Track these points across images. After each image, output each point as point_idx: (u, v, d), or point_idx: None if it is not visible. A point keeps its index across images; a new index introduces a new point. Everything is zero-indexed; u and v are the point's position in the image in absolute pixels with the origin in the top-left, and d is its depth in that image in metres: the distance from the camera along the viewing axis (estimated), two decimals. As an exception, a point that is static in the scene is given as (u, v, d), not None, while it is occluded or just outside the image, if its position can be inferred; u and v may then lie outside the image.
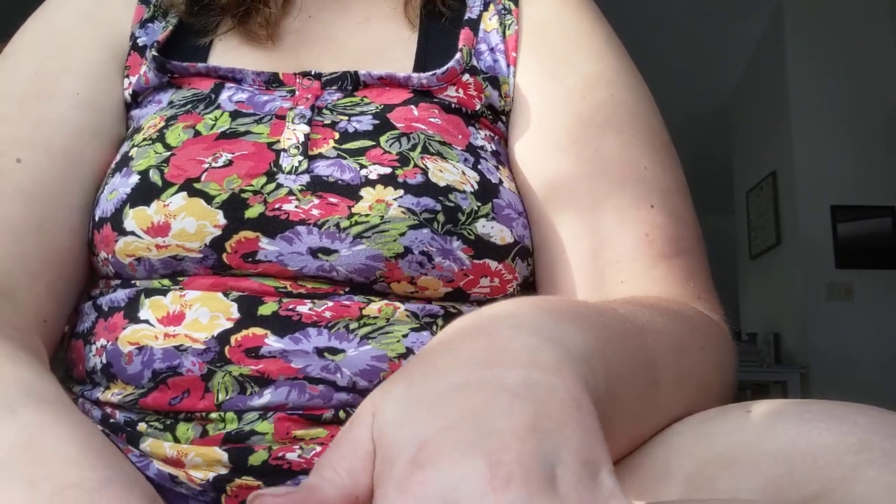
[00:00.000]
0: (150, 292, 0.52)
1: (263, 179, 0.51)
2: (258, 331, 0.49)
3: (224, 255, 0.51)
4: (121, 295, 0.53)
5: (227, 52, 0.62)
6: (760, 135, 4.86)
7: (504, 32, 0.62)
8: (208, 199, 0.50)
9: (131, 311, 0.52)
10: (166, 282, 0.52)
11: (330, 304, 0.50)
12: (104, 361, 0.51)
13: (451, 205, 0.51)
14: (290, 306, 0.50)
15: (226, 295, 0.50)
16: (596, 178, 0.56)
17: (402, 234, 0.50)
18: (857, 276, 4.18)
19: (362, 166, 0.52)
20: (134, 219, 0.52)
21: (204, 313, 0.50)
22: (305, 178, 0.51)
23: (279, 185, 0.51)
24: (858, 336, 4.08)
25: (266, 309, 0.49)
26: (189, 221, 0.50)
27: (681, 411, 0.43)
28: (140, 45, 0.62)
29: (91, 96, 0.60)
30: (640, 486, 0.40)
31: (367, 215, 0.50)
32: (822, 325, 4.13)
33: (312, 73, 0.58)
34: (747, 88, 5.12)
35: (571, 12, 0.63)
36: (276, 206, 0.50)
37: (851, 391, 3.58)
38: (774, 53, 4.61)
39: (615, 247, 0.54)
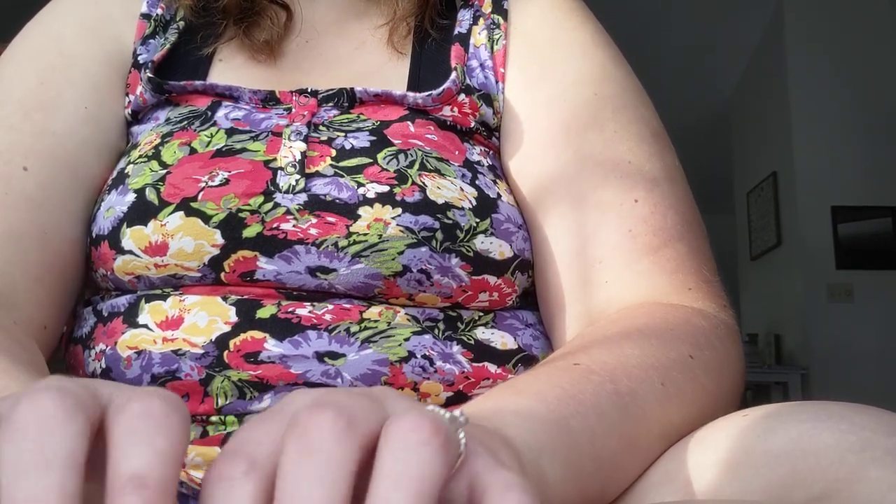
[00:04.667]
0: (150, 297, 0.52)
1: (261, 199, 0.51)
2: (257, 334, 0.48)
3: (222, 274, 0.51)
4: (122, 300, 0.53)
5: (226, 71, 0.62)
6: (761, 136, 4.86)
7: (492, 48, 0.62)
8: (205, 218, 0.50)
9: (131, 316, 0.52)
10: (168, 289, 0.52)
11: (330, 307, 0.50)
12: (104, 366, 0.51)
13: (450, 222, 0.51)
14: (290, 309, 0.49)
15: (224, 299, 0.50)
16: (577, 179, 0.55)
17: (401, 253, 0.50)
18: (858, 276, 4.18)
19: (360, 184, 0.51)
20: (131, 238, 0.52)
21: (202, 317, 0.49)
22: (303, 197, 0.51)
23: (277, 205, 0.51)
24: (859, 337, 4.08)
25: (265, 312, 0.49)
26: (187, 241, 0.50)
27: (686, 425, 0.42)
28: (140, 62, 0.62)
29: (96, 110, 0.59)
30: (640, 493, 0.39)
31: (365, 234, 0.50)
32: (823, 325, 4.13)
33: (309, 90, 0.57)
34: (748, 89, 5.12)
35: (557, 17, 0.62)
36: (274, 225, 0.50)
37: (852, 391, 3.58)
38: (775, 54, 4.61)
39: (598, 246, 0.53)
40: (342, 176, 0.52)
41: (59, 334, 0.56)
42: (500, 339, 0.53)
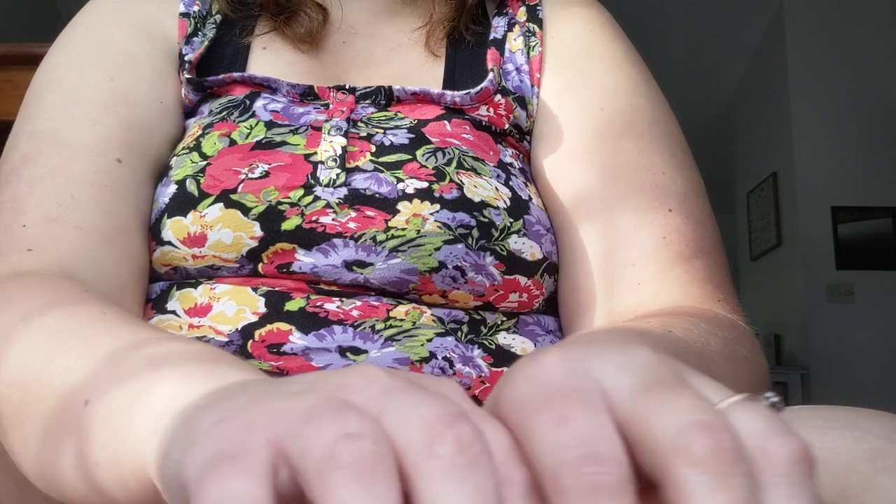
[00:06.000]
0: (182, 285, 0.52)
1: (301, 192, 0.51)
2: (283, 326, 0.49)
3: (260, 266, 0.51)
4: (154, 287, 0.54)
5: (267, 57, 0.62)
6: (761, 136, 4.85)
7: (528, 53, 0.63)
8: (245, 210, 0.51)
9: (160, 303, 0.52)
10: (203, 278, 0.52)
11: (358, 303, 0.50)
12: None
13: (486, 220, 0.52)
14: (318, 303, 0.50)
15: (255, 290, 0.51)
16: (610, 184, 0.56)
17: (438, 249, 0.50)
18: (858, 276, 4.18)
19: (399, 180, 0.52)
20: (171, 229, 0.52)
21: (231, 306, 0.50)
22: (343, 191, 0.52)
23: (317, 198, 0.51)
24: (859, 337, 4.07)
25: (293, 305, 0.50)
26: (226, 233, 0.51)
27: None
28: (186, 61, 0.62)
29: (170, 105, 0.60)
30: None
31: (403, 229, 0.50)
32: (823, 326, 4.12)
33: (347, 87, 0.58)
34: (748, 90, 5.12)
35: (591, 29, 0.64)
36: (313, 218, 0.51)
37: (852, 392, 3.57)
38: (775, 54, 4.61)
39: (631, 250, 0.54)
40: (382, 171, 0.53)
41: None
42: (521, 345, 0.54)
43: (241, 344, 0.49)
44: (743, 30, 4.75)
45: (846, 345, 4.06)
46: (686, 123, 0.62)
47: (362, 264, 0.50)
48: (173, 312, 0.51)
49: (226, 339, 0.49)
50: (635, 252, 0.54)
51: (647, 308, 0.52)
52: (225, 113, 0.57)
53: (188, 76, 0.59)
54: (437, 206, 0.51)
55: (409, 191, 0.51)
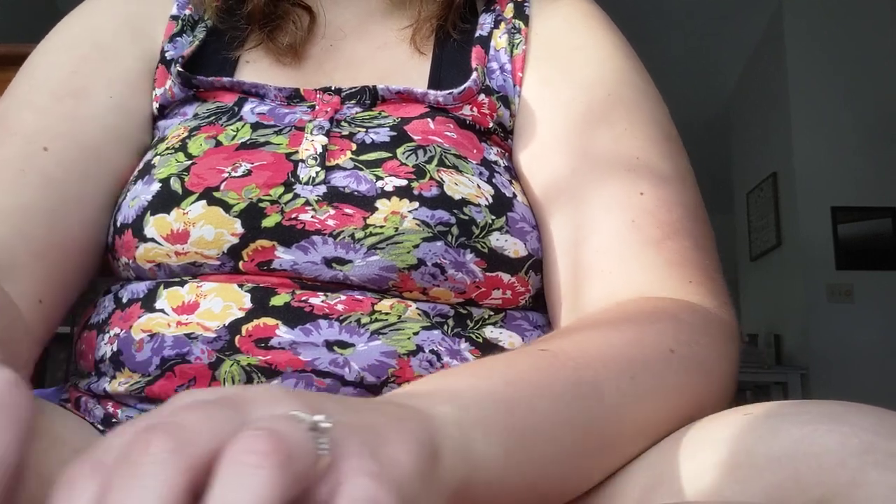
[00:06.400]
0: (169, 284, 0.53)
1: (281, 189, 0.52)
2: (269, 321, 0.49)
3: (241, 263, 0.52)
4: (141, 286, 0.54)
5: (252, 73, 0.64)
6: (760, 136, 4.85)
7: (512, 52, 0.63)
8: (227, 207, 0.51)
9: (149, 301, 0.53)
10: (187, 276, 0.53)
11: (343, 297, 0.51)
12: (115, 349, 0.52)
13: (466, 218, 0.52)
14: (303, 298, 0.50)
15: (240, 286, 0.51)
16: (584, 174, 0.55)
17: (416, 246, 0.51)
18: (858, 277, 4.18)
19: (378, 178, 0.52)
20: (154, 226, 0.53)
21: (217, 303, 0.50)
22: (322, 189, 0.52)
23: (296, 196, 0.52)
24: (859, 337, 4.07)
25: (278, 300, 0.50)
26: (207, 230, 0.51)
27: (663, 424, 0.41)
28: (168, 58, 0.63)
29: (123, 102, 0.61)
30: (637, 495, 0.39)
31: (381, 227, 0.51)
32: (823, 326, 4.12)
33: (332, 88, 0.59)
34: (747, 89, 5.12)
35: (578, 24, 0.63)
36: (293, 215, 0.51)
37: (852, 392, 3.57)
38: (774, 54, 4.61)
39: (600, 237, 0.53)
40: (361, 169, 0.53)
41: (57, 313, 0.57)
42: (508, 339, 0.54)
43: (228, 339, 0.49)
44: (742, 28, 4.76)
45: (846, 345, 4.06)
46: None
47: (342, 261, 0.51)
48: (161, 311, 0.51)
49: (214, 335, 0.49)
50: (604, 239, 0.53)
51: (615, 296, 0.50)
52: (213, 118, 0.58)
53: (179, 69, 0.60)
54: (416, 204, 0.51)
55: (388, 188, 0.52)
